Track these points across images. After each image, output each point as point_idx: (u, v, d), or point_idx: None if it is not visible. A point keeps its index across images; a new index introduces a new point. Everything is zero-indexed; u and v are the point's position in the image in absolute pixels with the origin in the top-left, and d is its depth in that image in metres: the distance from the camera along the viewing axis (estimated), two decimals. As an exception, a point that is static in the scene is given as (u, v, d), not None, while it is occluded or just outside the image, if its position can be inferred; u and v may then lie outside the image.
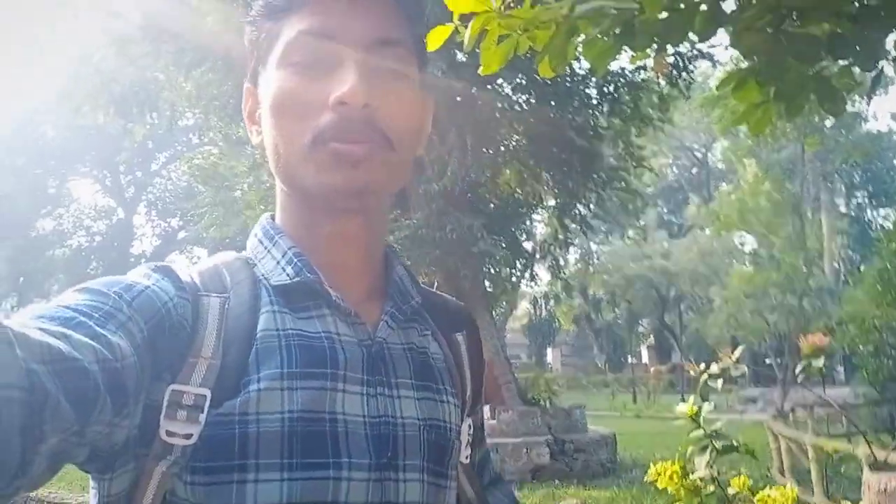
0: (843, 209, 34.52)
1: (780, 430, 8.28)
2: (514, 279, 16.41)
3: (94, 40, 13.95)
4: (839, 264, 30.65)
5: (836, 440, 7.24)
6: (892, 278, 11.17)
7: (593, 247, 36.57)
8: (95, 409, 0.53)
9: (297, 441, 0.64)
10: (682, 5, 1.50)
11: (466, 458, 0.84)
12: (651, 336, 42.90)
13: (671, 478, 2.49)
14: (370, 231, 0.78)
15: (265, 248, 0.77)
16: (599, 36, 1.58)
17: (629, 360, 41.11)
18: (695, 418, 2.54)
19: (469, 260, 11.20)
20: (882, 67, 1.68)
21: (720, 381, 2.71)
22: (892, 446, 3.70)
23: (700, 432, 2.51)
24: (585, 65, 10.83)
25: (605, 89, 12.40)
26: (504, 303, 21.14)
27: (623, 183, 14.11)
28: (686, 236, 36.05)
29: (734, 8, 1.70)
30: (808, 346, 2.74)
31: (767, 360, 31.03)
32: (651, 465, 2.59)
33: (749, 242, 32.00)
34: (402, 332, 0.78)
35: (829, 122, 23.45)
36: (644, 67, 11.90)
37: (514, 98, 12.38)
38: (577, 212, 13.92)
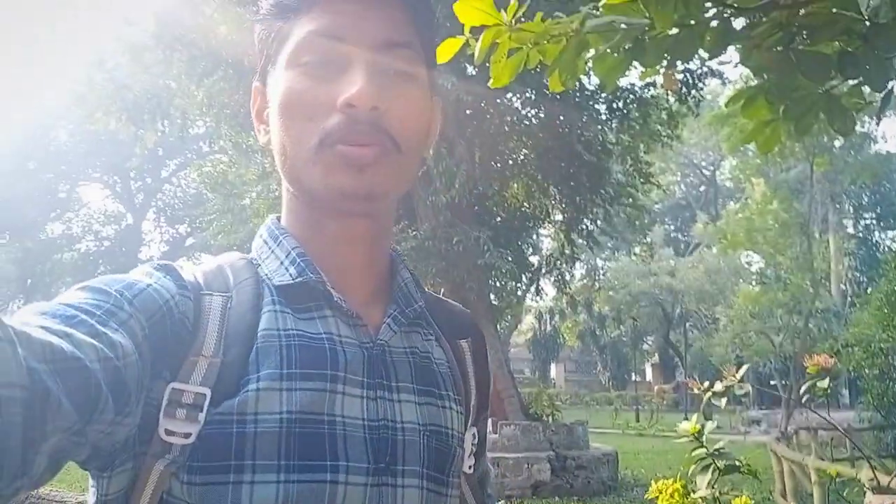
0: (850, 230, 34.41)
1: (783, 452, 8.22)
2: (519, 293, 16.41)
3: (106, 46, 14.09)
4: (846, 286, 30.51)
5: (840, 464, 7.17)
6: (900, 301, 11.11)
7: (599, 263, 36.54)
8: (97, 408, 0.53)
9: (294, 443, 0.64)
10: (693, 22, 1.51)
11: (470, 468, 0.83)
12: (655, 354, 42.72)
13: (672, 496, 2.47)
14: (376, 234, 0.78)
15: (269, 248, 0.77)
16: (610, 51, 1.58)
17: (633, 377, 40.90)
18: (697, 437, 2.53)
19: (475, 272, 11.21)
20: (892, 87, 1.68)
21: (724, 400, 2.69)
22: (895, 472, 3.67)
23: (702, 451, 2.50)
24: (595, 80, 10.89)
25: (614, 105, 12.44)
26: (509, 316, 21.14)
27: (630, 199, 14.13)
28: (693, 254, 35.99)
29: (744, 25, 1.70)
30: (813, 367, 2.72)
31: (772, 382, 30.86)
32: (652, 483, 2.57)
33: (756, 262, 31.95)
34: (405, 336, 0.77)
35: (838, 143, 23.42)
36: (653, 84, 11.94)
37: (524, 112, 12.43)
38: (583, 227, 13.93)
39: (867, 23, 1.51)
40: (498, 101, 11.42)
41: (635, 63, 1.61)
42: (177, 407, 0.63)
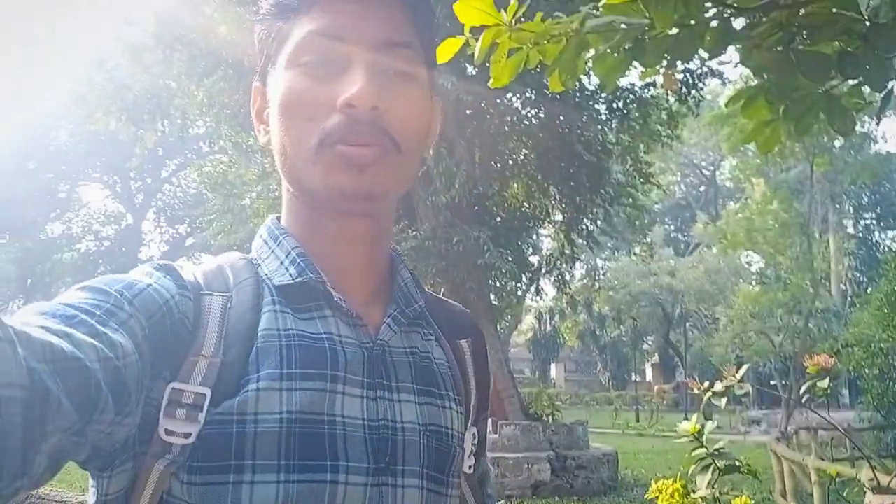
0: (850, 230, 34.41)
1: (783, 452, 8.21)
2: (519, 293, 16.41)
3: (106, 46, 14.10)
4: (846, 286, 30.52)
5: (840, 464, 7.17)
6: (900, 301, 11.11)
7: (599, 263, 36.54)
8: (97, 408, 0.53)
9: (294, 443, 0.64)
10: (693, 22, 1.51)
11: (470, 468, 0.83)
12: (655, 354, 42.73)
13: (672, 496, 2.47)
14: (376, 234, 0.78)
15: (269, 248, 0.77)
16: (609, 51, 1.58)
17: (633, 377, 40.91)
18: (697, 437, 2.53)
19: (475, 272, 11.21)
20: (892, 87, 1.68)
21: (724, 400, 2.69)
22: (895, 472, 3.66)
23: (702, 451, 2.50)
24: (595, 80, 10.88)
25: (614, 105, 12.44)
26: (509, 316, 21.14)
27: (630, 199, 14.13)
28: (693, 254, 36.00)
29: (744, 25, 1.70)
30: (813, 367, 2.72)
31: (772, 382, 30.87)
32: (652, 483, 2.57)
33: (756, 262, 31.95)
34: (405, 336, 0.77)
35: (838, 143, 23.42)
36: (653, 84, 11.94)
37: (524, 112, 12.44)
38: (583, 227, 13.93)
39: (867, 23, 1.51)
40: (498, 101, 11.42)
41: (635, 63, 1.61)
42: (177, 407, 0.63)
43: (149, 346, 0.61)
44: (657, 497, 2.52)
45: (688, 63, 10.74)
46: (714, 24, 1.56)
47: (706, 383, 2.77)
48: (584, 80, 11.00)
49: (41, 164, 32.61)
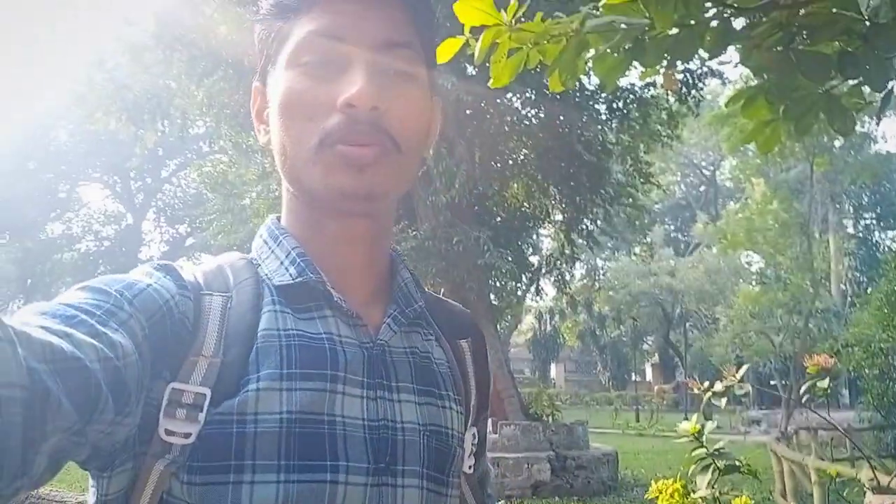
0: (850, 230, 34.41)
1: (783, 452, 8.21)
2: (519, 293, 16.41)
3: (106, 46, 14.10)
4: (846, 286, 30.52)
5: (840, 464, 7.17)
6: (900, 301, 11.11)
7: (599, 263, 36.54)
8: (97, 408, 0.53)
9: (294, 443, 0.64)
10: (693, 22, 1.51)
11: (470, 468, 0.83)
12: (655, 354, 42.73)
13: (672, 496, 2.47)
14: (376, 234, 0.78)
15: (269, 248, 0.77)
16: (609, 51, 1.58)
17: (633, 377, 40.91)
18: (697, 437, 2.53)
19: (475, 272, 11.21)
20: (892, 87, 1.68)
21: (724, 400, 2.69)
22: (895, 472, 3.66)
23: (702, 451, 2.50)
24: (595, 80, 10.88)
25: (614, 105, 12.45)
26: (509, 316, 21.13)
27: (630, 199, 14.13)
28: (693, 254, 36.01)
29: (744, 25, 1.70)
30: (813, 367, 2.72)
31: (772, 382, 30.87)
32: (652, 483, 2.57)
33: (756, 262, 31.96)
34: (405, 336, 0.77)
35: (838, 143, 23.43)
36: (653, 84, 11.94)
37: (524, 112, 12.44)
38: (583, 227, 13.93)
39: (867, 23, 1.51)
40: (498, 101, 11.42)
41: (635, 63, 1.61)
42: (177, 407, 0.63)
43: (149, 346, 0.61)
44: (657, 497, 2.52)
45: (688, 63, 10.74)
46: (714, 24, 1.56)
47: (706, 383, 2.77)
48: (584, 80, 11.00)
49: (41, 164, 32.61)
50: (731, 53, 1.74)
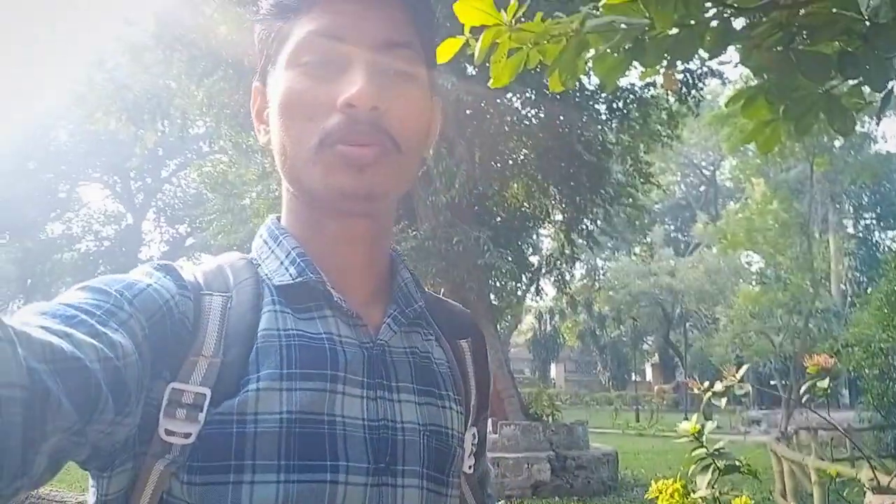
0: (850, 230, 34.41)
1: (783, 452, 8.21)
2: (519, 293, 16.41)
3: (106, 46, 14.11)
4: (846, 286, 30.52)
5: (840, 464, 7.17)
6: (900, 301, 11.11)
7: (599, 263, 36.54)
8: (97, 408, 0.53)
9: (294, 443, 0.64)
10: (693, 22, 1.51)
11: (470, 468, 0.83)
12: (655, 354, 42.73)
13: (672, 496, 2.47)
14: (376, 233, 0.78)
15: (269, 248, 0.77)
16: (609, 51, 1.58)
17: (633, 377, 40.90)
18: (697, 437, 2.53)
19: (475, 272, 11.21)
20: (892, 87, 1.68)
21: (724, 400, 2.69)
22: (895, 472, 3.66)
23: (702, 451, 2.50)
24: (595, 80, 10.88)
25: (614, 105, 12.45)
26: (509, 316, 21.13)
27: (630, 199, 14.13)
28: (693, 254, 36.01)
29: (744, 25, 1.70)
30: (813, 367, 2.72)
31: (772, 382, 30.87)
32: (652, 483, 2.57)
33: (756, 262, 31.95)
34: (405, 336, 0.77)
35: (838, 143, 23.43)
36: (653, 84, 11.94)
37: (524, 112, 12.44)
38: (583, 227, 13.94)
39: (867, 23, 1.51)
40: (498, 101, 11.42)
41: (635, 63, 1.61)
42: (177, 407, 0.63)
43: (149, 346, 0.61)
44: (657, 497, 2.52)
45: (688, 63, 10.74)
46: (714, 24, 1.56)
47: (706, 383, 2.77)
48: (584, 80, 11.00)
49: (41, 164, 32.61)
50: (731, 53, 1.74)
